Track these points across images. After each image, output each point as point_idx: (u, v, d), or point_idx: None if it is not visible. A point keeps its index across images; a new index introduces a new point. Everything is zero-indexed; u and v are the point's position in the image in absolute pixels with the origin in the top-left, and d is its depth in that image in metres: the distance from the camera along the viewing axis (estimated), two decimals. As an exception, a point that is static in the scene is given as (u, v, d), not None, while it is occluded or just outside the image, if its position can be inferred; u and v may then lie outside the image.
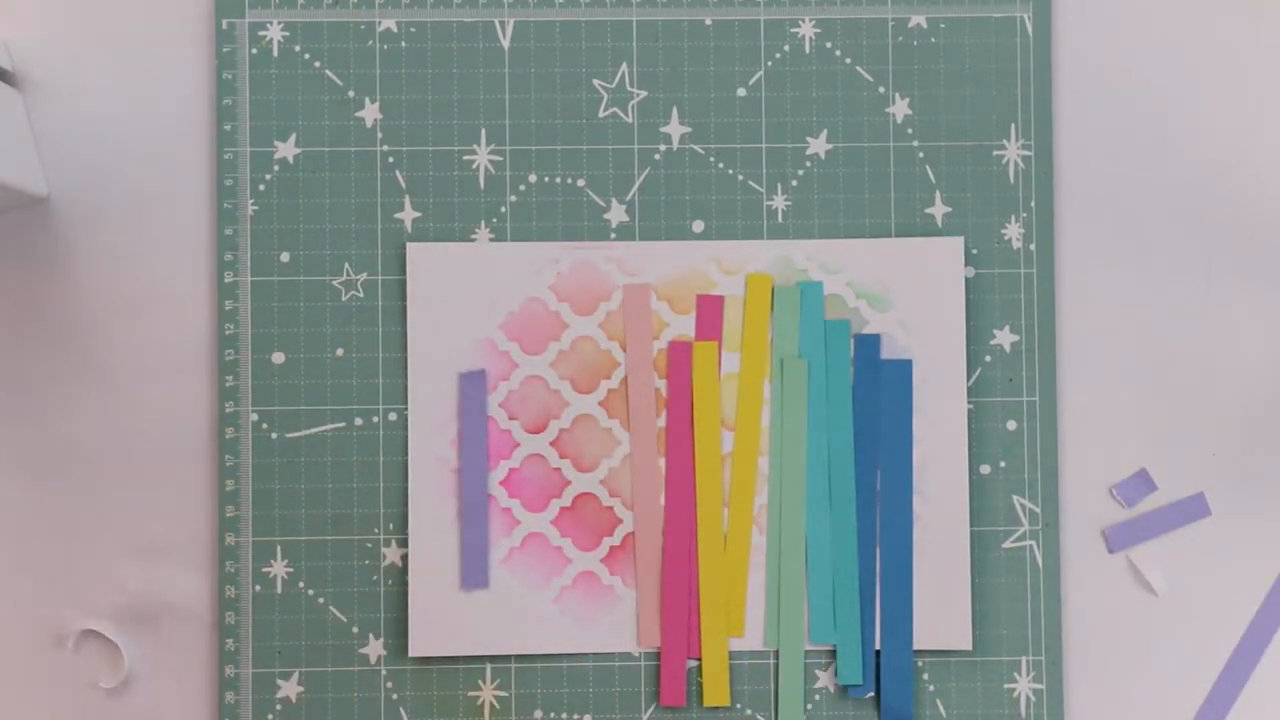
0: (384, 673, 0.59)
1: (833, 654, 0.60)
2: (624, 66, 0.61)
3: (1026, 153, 0.61)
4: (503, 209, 0.61)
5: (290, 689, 0.59)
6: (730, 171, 0.61)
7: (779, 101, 0.61)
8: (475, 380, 0.60)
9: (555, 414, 0.60)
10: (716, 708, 0.60)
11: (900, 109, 0.61)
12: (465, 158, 0.61)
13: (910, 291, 0.60)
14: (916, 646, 0.59)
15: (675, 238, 0.61)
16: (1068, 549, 0.61)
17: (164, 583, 0.60)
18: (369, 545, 0.60)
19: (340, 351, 0.60)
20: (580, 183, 0.61)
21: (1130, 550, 0.61)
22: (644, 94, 0.61)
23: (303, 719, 0.59)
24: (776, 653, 0.60)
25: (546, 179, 0.61)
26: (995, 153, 0.61)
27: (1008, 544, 0.60)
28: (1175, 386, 0.61)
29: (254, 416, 0.60)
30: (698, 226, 0.61)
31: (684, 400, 0.60)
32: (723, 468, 0.60)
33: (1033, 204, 0.61)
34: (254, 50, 0.60)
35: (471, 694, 0.60)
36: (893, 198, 0.61)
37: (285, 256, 0.60)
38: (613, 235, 0.61)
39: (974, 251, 0.61)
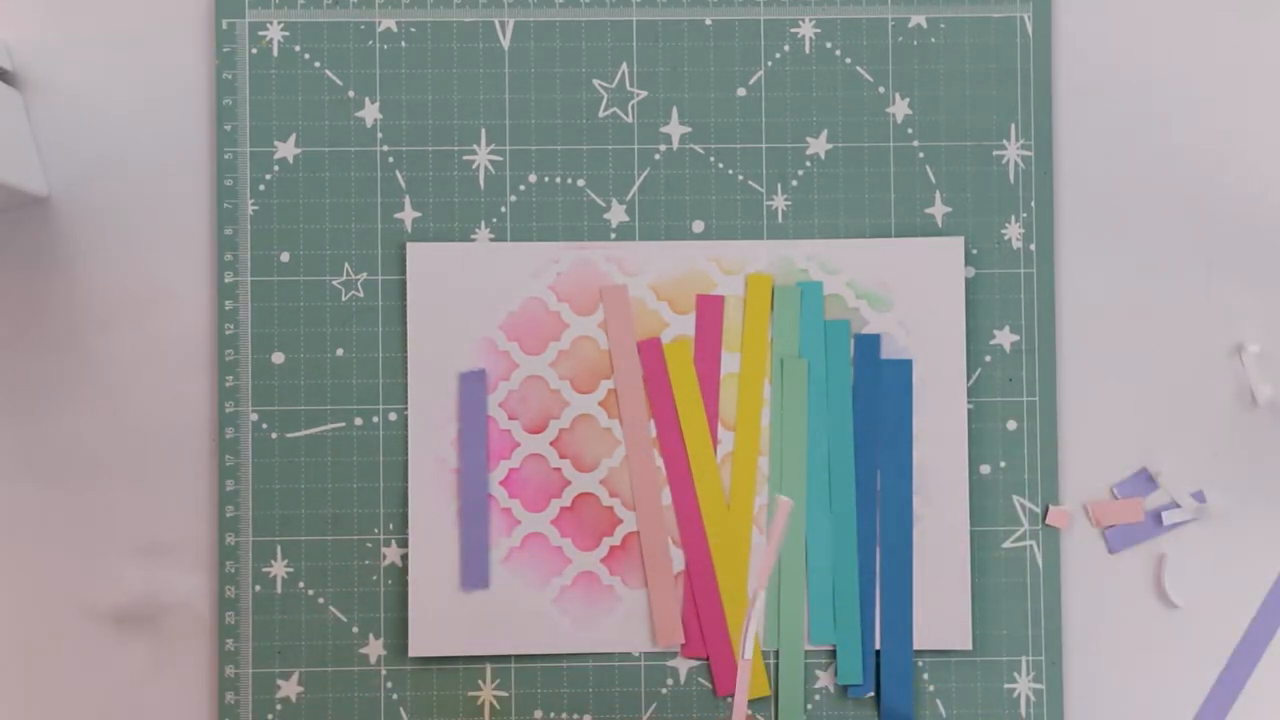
0: (384, 673, 0.59)
1: (833, 654, 0.60)
2: (624, 66, 0.61)
3: (1026, 153, 0.61)
4: (503, 209, 0.61)
5: (290, 689, 0.59)
6: (730, 171, 0.61)
7: (779, 101, 0.61)
8: (475, 380, 0.60)
9: (555, 414, 0.60)
10: (718, 707, 0.60)
11: (900, 109, 0.61)
12: (465, 158, 0.61)
13: (910, 291, 0.60)
14: (916, 646, 0.59)
15: (675, 238, 0.61)
16: (1068, 549, 0.61)
17: (164, 583, 0.60)
18: (369, 545, 0.60)
19: (340, 351, 0.60)
20: (580, 183, 0.61)
21: (1130, 550, 0.61)
22: (644, 94, 0.61)
23: (303, 719, 0.59)
24: (777, 653, 0.60)
25: (546, 179, 0.61)
26: (995, 153, 0.61)
27: (1008, 544, 0.60)
28: (1175, 386, 0.61)
29: (254, 416, 0.60)
30: (698, 226, 0.61)
31: (666, 399, 0.60)
32: (717, 460, 0.60)
33: (1033, 204, 0.61)
34: (254, 50, 0.60)
35: (471, 694, 0.60)
36: (893, 198, 0.61)
37: (285, 256, 0.60)
38: (613, 235, 0.61)
39: (974, 251, 0.61)
